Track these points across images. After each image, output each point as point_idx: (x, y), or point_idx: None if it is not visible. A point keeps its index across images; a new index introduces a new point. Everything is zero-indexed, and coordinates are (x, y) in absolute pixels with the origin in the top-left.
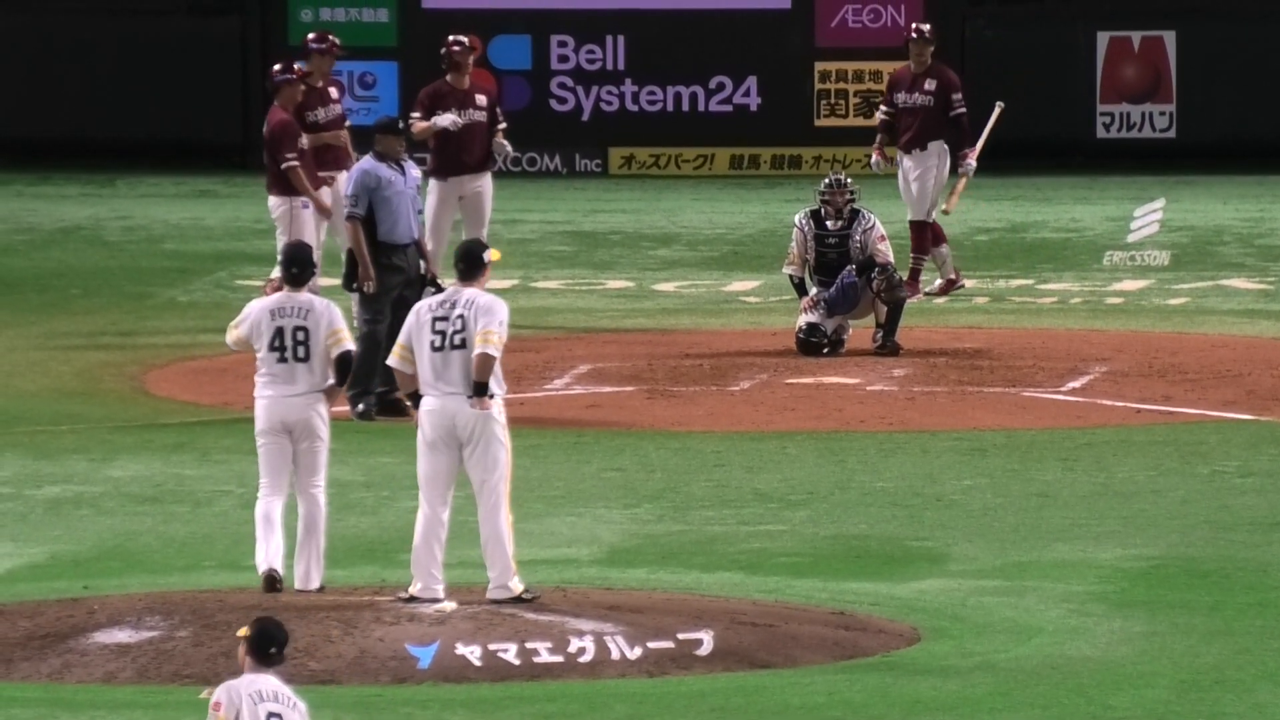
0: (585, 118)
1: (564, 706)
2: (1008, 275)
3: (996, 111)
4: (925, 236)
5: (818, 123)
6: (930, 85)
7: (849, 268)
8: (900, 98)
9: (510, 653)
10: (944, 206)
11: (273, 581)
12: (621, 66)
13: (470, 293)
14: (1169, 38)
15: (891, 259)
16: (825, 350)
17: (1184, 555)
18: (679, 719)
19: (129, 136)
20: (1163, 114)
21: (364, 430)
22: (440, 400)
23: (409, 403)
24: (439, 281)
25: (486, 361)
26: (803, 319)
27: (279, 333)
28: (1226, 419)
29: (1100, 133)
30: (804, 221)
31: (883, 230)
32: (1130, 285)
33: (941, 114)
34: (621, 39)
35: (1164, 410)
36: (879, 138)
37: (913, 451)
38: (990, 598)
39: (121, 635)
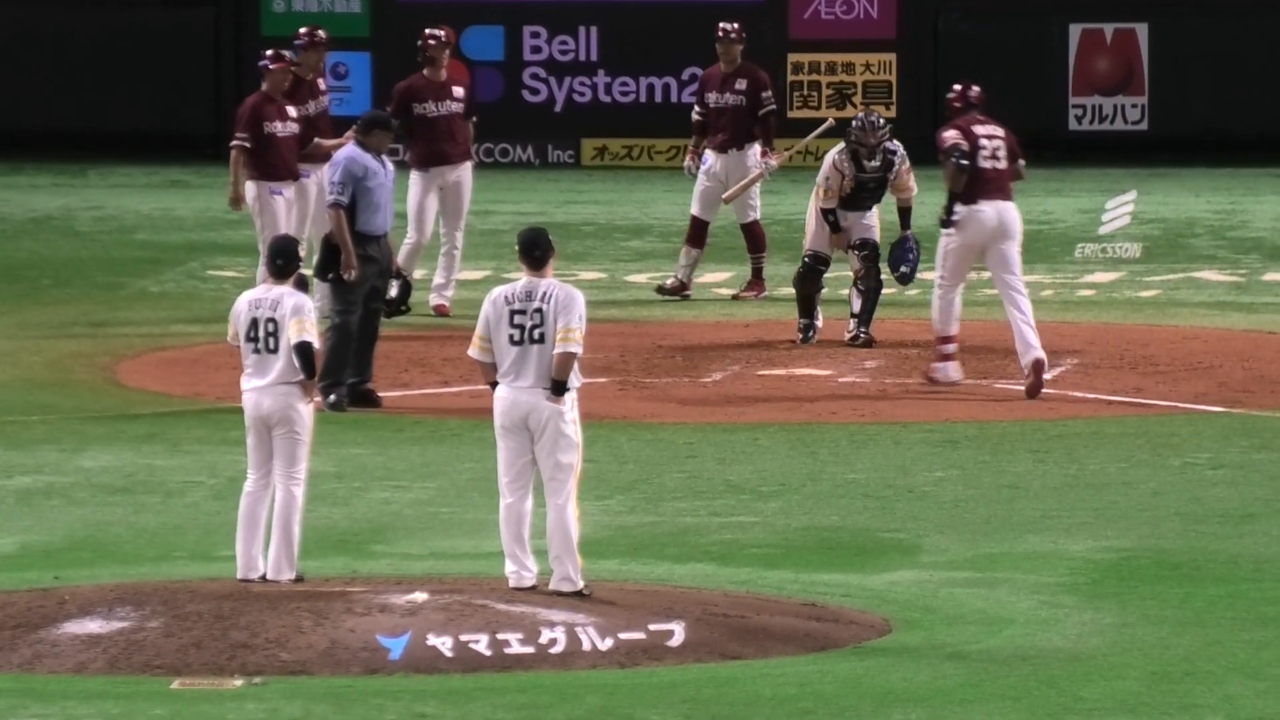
0: (558, 109)
1: (535, 697)
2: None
3: (825, 125)
4: (758, 235)
5: (790, 114)
6: (741, 85)
7: (909, 232)
8: (712, 98)
9: (481, 644)
10: (724, 195)
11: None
12: (594, 58)
13: (547, 283)
14: (1141, 30)
15: (914, 191)
16: (822, 281)
17: (1155, 547)
18: (650, 710)
19: (101, 127)
20: (1135, 106)
21: (336, 421)
22: (513, 393)
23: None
24: (405, 275)
25: (568, 360)
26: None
27: (254, 324)
28: (1198, 411)
29: (1072, 125)
30: (844, 163)
31: (909, 164)
32: (1102, 277)
33: (753, 113)
34: (594, 30)
35: (1135, 402)
36: (693, 139)
37: (884, 443)
38: (961, 589)
39: (93, 626)
